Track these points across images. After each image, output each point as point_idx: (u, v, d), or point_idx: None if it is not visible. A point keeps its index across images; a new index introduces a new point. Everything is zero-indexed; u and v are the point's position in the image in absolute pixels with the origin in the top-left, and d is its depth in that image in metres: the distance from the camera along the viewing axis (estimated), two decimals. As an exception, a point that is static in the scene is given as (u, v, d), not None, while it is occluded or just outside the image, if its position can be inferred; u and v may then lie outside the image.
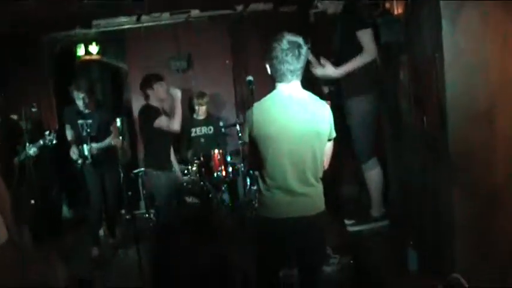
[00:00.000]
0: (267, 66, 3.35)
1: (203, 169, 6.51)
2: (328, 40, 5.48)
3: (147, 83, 5.88)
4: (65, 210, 7.94)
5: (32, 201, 5.56)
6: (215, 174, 6.58)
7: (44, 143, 5.82)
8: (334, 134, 3.44)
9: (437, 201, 4.43)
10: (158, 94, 5.83)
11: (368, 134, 5.29)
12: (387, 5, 5.32)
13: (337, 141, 3.56)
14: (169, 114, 5.80)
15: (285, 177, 3.28)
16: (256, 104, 3.34)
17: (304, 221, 3.34)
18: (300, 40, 3.25)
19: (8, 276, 1.82)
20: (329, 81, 5.38)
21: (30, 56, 7.83)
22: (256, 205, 3.76)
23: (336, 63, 5.16)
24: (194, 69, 7.96)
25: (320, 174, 3.42)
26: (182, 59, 7.87)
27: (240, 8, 7.49)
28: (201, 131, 7.34)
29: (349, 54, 5.08)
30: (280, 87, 3.33)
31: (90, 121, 6.06)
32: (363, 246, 5.34)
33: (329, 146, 3.46)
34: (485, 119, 3.91)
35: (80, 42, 8.23)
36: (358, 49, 5.05)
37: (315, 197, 3.40)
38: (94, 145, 6.01)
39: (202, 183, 6.49)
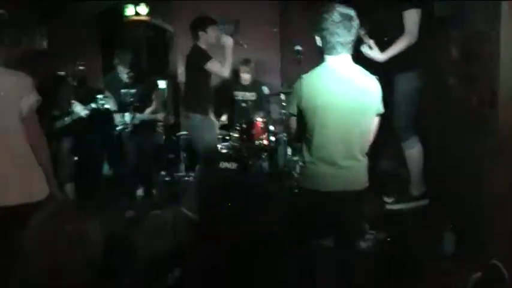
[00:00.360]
0: (316, 37, 3.30)
1: (244, 136, 6.49)
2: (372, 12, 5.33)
3: (200, 24, 5.72)
4: (106, 168, 8.05)
5: (75, 158, 5.62)
6: (256, 142, 6.57)
7: (97, 105, 5.85)
8: (382, 110, 3.40)
9: (480, 182, 4.36)
10: (210, 38, 5.69)
11: (412, 112, 5.17)
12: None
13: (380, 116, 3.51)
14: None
15: (330, 150, 3.27)
16: (304, 76, 3.31)
17: (348, 195, 3.33)
18: (351, 12, 3.20)
19: (46, 232, 1.84)
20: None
21: (79, 13, 7.88)
22: (297, 176, 3.75)
23: (379, 40, 5.02)
24: (241, 34, 7.89)
25: (366, 149, 3.40)
26: (230, 23, 7.81)
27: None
28: (244, 96, 7.31)
29: (392, 33, 4.91)
30: (330, 59, 3.29)
31: (133, 90, 6.12)
32: (400, 224, 5.28)
33: (376, 121, 3.43)
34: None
35: (129, 2, 8.24)
36: (400, 29, 4.87)
37: (359, 171, 3.39)
38: (138, 115, 6.05)
39: (242, 149, 6.49)
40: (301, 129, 3.38)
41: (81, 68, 5.79)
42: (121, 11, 8.35)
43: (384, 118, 3.46)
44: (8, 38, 3.72)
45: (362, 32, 4.84)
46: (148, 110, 6.16)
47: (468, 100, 4.45)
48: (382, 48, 4.94)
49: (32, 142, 3.47)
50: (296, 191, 3.80)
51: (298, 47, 4.04)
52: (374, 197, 5.61)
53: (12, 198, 3.35)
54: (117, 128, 6.24)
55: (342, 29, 3.16)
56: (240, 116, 6.97)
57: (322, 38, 3.25)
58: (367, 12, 4.99)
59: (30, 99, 3.43)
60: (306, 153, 3.39)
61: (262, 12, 7.87)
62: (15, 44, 3.80)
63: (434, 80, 5.18)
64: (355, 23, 3.19)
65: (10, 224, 1.97)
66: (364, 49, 4.94)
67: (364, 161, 3.39)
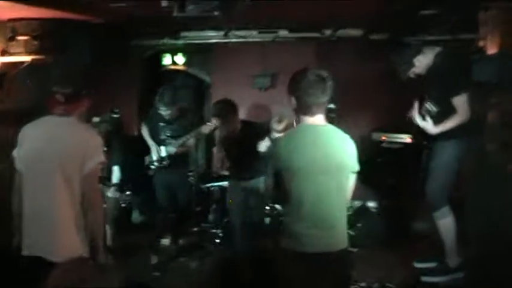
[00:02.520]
0: (292, 98, 3.37)
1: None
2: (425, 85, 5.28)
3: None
4: (135, 215, 8.06)
5: (104, 205, 5.65)
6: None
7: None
8: (357, 167, 3.41)
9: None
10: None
11: (446, 181, 5.09)
12: (482, 43, 5.13)
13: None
14: None
15: (309, 211, 3.26)
16: (282, 137, 3.44)
17: (328, 257, 3.30)
18: (325, 74, 3.28)
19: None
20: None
21: (119, 60, 8.03)
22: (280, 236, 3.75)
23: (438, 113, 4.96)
24: (276, 88, 7.91)
25: (345, 208, 3.39)
26: (266, 77, 7.85)
27: (328, 32, 7.40)
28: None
29: (443, 109, 4.88)
30: (306, 120, 3.34)
31: (172, 126, 6.25)
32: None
33: (352, 178, 3.44)
34: None
35: (167, 51, 8.39)
36: (452, 108, 4.85)
37: (339, 231, 3.37)
38: (173, 142, 6.18)
39: (272, 204, 6.42)
40: (280, 189, 3.38)
41: (115, 116, 5.83)
42: (160, 60, 8.46)
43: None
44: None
45: (430, 110, 4.83)
46: (182, 140, 6.19)
47: (507, 167, 4.33)
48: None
49: (92, 203, 3.45)
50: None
51: (332, 105, 4.01)
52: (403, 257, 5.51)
53: (60, 254, 3.33)
54: (152, 164, 6.32)
55: (316, 90, 3.23)
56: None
57: (297, 99, 3.31)
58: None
59: (95, 160, 3.45)
60: (285, 214, 3.43)
61: (300, 67, 7.86)
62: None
63: (472, 144, 5.06)
64: (329, 84, 3.26)
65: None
66: (418, 119, 4.93)
67: (343, 222, 3.37)
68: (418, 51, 5.08)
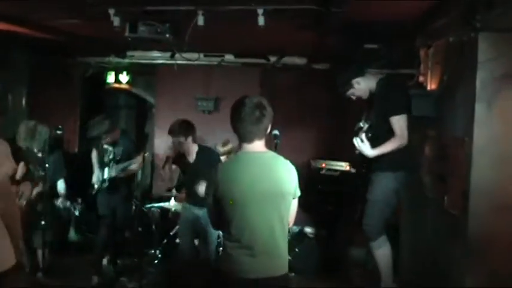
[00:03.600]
0: (231, 127, 3.34)
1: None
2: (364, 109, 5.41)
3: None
4: (72, 234, 7.92)
5: (43, 222, 5.56)
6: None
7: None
8: (298, 193, 3.41)
9: (450, 282, 4.35)
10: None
11: (384, 213, 5.09)
12: (422, 78, 5.33)
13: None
14: None
15: (250, 238, 3.23)
16: (221, 164, 3.41)
17: (268, 283, 3.27)
18: (263, 101, 3.28)
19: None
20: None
21: (62, 77, 7.96)
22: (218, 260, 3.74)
23: (373, 138, 5.06)
24: (220, 112, 7.98)
25: (285, 234, 3.36)
26: (210, 100, 7.91)
27: (273, 59, 7.55)
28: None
29: (382, 132, 4.91)
30: (244, 147, 3.33)
31: (113, 149, 6.18)
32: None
33: (294, 204, 3.42)
34: (510, 210, 3.86)
35: (111, 70, 8.34)
36: (391, 130, 4.88)
37: (279, 257, 3.33)
38: (116, 166, 6.12)
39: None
40: (219, 216, 3.35)
41: (59, 132, 5.76)
42: (103, 78, 8.41)
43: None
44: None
45: (362, 127, 4.92)
46: (126, 164, 6.15)
47: (440, 200, 4.50)
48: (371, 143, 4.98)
49: (3, 211, 3.39)
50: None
51: (276, 131, 4.04)
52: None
53: None
54: (95, 186, 6.25)
55: (252, 117, 3.22)
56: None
57: (236, 127, 3.30)
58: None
59: (4, 167, 3.40)
60: (225, 239, 3.36)
61: (244, 91, 7.96)
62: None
63: (410, 180, 5.18)
64: (266, 111, 3.25)
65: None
66: (356, 141, 4.97)
67: (284, 247, 3.35)
68: (359, 74, 5.19)
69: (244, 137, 3.29)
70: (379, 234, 5.09)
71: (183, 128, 5.55)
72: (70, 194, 6.31)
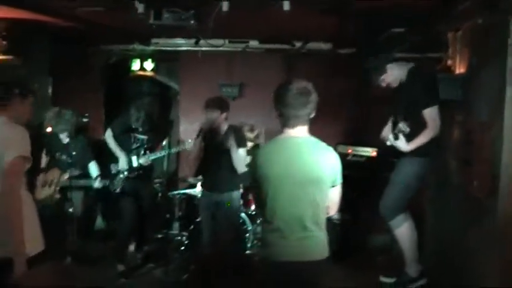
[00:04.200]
0: (275, 110, 3.37)
1: (241, 201, 6.44)
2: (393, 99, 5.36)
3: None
4: (99, 221, 8.00)
5: (71, 209, 5.60)
6: (253, 207, 6.56)
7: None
8: (340, 181, 3.42)
9: (476, 268, 4.31)
10: None
11: (403, 196, 5.12)
12: (450, 62, 5.26)
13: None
14: None
15: (282, 220, 3.29)
16: (262, 146, 3.40)
17: (301, 267, 3.30)
18: (308, 86, 3.29)
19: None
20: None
21: (85, 66, 7.99)
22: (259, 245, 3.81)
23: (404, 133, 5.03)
24: (245, 98, 7.97)
25: (321, 221, 3.37)
26: (234, 86, 7.89)
27: (298, 44, 7.49)
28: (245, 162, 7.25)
29: (412, 123, 4.86)
30: (286, 131, 3.35)
31: (143, 137, 6.26)
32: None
33: (334, 192, 3.43)
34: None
35: (136, 57, 8.36)
36: (421, 121, 4.86)
37: (313, 243, 3.35)
38: (146, 156, 6.18)
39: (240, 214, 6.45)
40: (258, 198, 3.41)
41: (85, 119, 5.79)
42: (128, 65, 8.43)
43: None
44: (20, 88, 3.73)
45: (402, 128, 4.87)
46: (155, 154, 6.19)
47: (467, 184, 4.45)
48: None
49: (4, 201, 3.40)
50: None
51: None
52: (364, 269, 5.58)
53: None
54: (122, 174, 6.27)
55: (297, 102, 3.23)
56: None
57: (279, 111, 3.32)
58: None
59: (13, 153, 3.42)
60: (263, 222, 3.43)
61: (268, 77, 7.94)
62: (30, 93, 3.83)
63: (436, 165, 5.15)
64: (312, 97, 3.27)
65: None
66: (391, 139, 4.98)
67: (319, 233, 3.36)
68: (392, 60, 5.15)
69: (287, 122, 3.31)
70: (394, 215, 5.11)
71: (219, 103, 5.55)
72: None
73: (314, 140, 3.37)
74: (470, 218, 4.49)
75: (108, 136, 6.36)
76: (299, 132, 3.33)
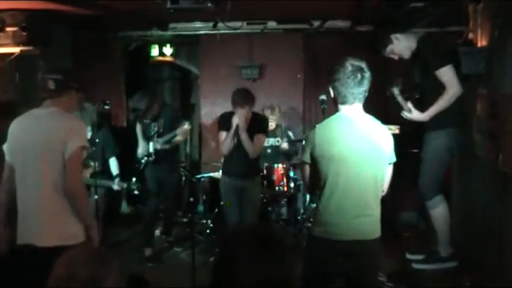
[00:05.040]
0: (330, 88, 3.40)
1: (265, 182, 6.45)
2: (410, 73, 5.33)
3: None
4: (124, 206, 8.09)
5: (96, 196, 5.63)
6: (276, 188, 6.54)
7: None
8: (394, 159, 3.44)
9: (503, 244, 4.27)
10: None
11: (439, 171, 5.11)
12: (471, 35, 5.18)
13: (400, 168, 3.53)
14: None
15: (342, 199, 3.30)
16: (318, 125, 3.42)
17: (359, 246, 3.32)
18: (362, 64, 3.31)
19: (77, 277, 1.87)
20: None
21: (105, 53, 8.02)
22: (311, 224, 3.81)
23: (421, 99, 5.02)
24: (265, 79, 7.95)
25: (378, 200, 3.41)
26: (254, 68, 7.87)
27: (317, 23, 7.43)
28: (268, 142, 7.24)
29: (433, 91, 4.91)
30: (343, 109, 3.37)
31: (155, 123, 6.25)
32: (419, 278, 5.19)
33: (389, 170, 3.47)
34: None
35: (154, 43, 8.38)
36: (441, 85, 4.85)
37: (372, 221, 3.38)
38: (160, 140, 6.19)
39: (262, 195, 6.45)
40: (314, 177, 3.42)
41: (106, 107, 5.80)
42: (147, 51, 8.46)
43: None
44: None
45: (396, 93, 4.86)
46: (170, 135, 6.20)
47: (494, 159, 4.40)
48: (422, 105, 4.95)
49: (71, 189, 3.48)
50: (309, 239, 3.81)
51: (323, 96, 4.06)
52: (393, 247, 5.58)
53: (49, 239, 3.41)
54: (141, 159, 6.33)
55: (353, 80, 3.26)
56: (263, 161, 6.89)
57: (335, 89, 3.34)
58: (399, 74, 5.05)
59: (75, 144, 3.48)
60: (319, 202, 3.41)
61: (287, 57, 7.91)
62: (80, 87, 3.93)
63: (461, 138, 5.10)
64: (367, 74, 3.30)
65: (43, 265, 2.00)
66: (405, 114, 5.00)
67: (377, 211, 3.39)
68: (398, 29, 5.11)
69: (345, 99, 3.33)
70: (435, 194, 5.09)
71: (247, 97, 5.46)
72: (123, 172, 6.39)
73: (371, 118, 3.40)
74: (497, 193, 4.44)
75: (137, 127, 6.52)
76: (356, 110, 3.35)
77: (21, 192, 3.54)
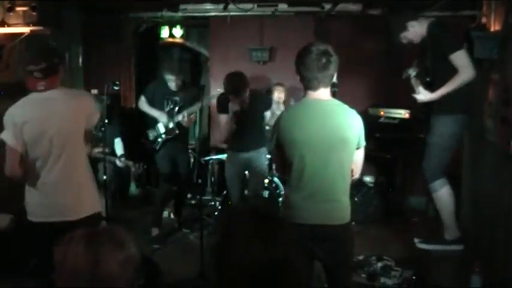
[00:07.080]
0: (297, 73, 3.38)
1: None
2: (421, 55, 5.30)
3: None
4: (133, 188, 8.12)
5: (104, 177, 5.65)
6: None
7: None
8: (363, 143, 3.43)
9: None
10: None
11: (443, 156, 5.12)
12: (484, 19, 5.14)
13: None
14: None
15: (309, 184, 3.31)
16: (284, 110, 3.41)
17: (326, 230, 3.33)
18: (329, 49, 3.28)
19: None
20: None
21: (115, 34, 8.01)
22: (281, 207, 3.84)
23: (432, 82, 5.00)
24: (275, 62, 7.91)
25: (347, 185, 3.40)
26: (265, 50, 7.84)
27: (328, 6, 7.38)
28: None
29: (444, 74, 4.87)
30: (309, 94, 3.37)
31: (176, 98, 6.25)
32: (427, 263, 5.20)
33: (359, 154, 3.46)
34: None
35: (165, 24, 8.35)
36: (453, 68, 4.82)
37: (339, 206, 3.38)
38: (181, 112, 6.18)
39: (270, 177, 6.45)
40: (283, 161, 3.44)
41: (116, 87, 5.77)
42: (157, 32, 8.43)
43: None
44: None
45: (413, 75, 4.86)
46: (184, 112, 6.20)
47: (505, 144, 4.37)
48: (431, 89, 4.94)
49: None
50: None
51: (334, 80, 4.03)
52: (402, 232, 5.58)
53: (84, 210, 3.70)
54: (155, 139, 6.34)
55: (318, 64, 3.24)
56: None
57: (300, 74, 3.33)
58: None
59: (95, 117, 3.76)
60: (287, 185, 3.46)
61: (298, 40, 7.86)
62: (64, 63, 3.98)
63: (470, 120, 5.09)
64: (332, 58, 3.26)
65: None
66: (416, 96, 5.03)
67: (345, 196, 3.39)
68: (413, 18, 5.09)
69: (309, 84, 3.32)
70: (437, 177, 5.10)
71: (242, 84, 5.37)
72: (129, 153, 6.38)
73: (337, 103, 3.38)
74: (508, 178, 4.43)
75: (142, 102, 6.40)
76: (322, 95, 3.34)
77: (49, 176, 3.61)
